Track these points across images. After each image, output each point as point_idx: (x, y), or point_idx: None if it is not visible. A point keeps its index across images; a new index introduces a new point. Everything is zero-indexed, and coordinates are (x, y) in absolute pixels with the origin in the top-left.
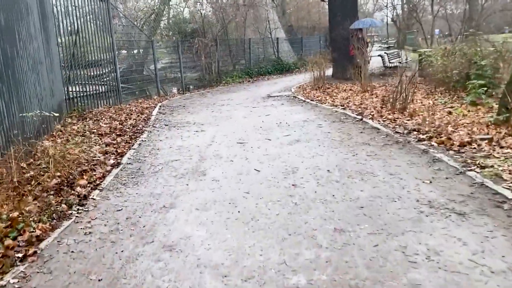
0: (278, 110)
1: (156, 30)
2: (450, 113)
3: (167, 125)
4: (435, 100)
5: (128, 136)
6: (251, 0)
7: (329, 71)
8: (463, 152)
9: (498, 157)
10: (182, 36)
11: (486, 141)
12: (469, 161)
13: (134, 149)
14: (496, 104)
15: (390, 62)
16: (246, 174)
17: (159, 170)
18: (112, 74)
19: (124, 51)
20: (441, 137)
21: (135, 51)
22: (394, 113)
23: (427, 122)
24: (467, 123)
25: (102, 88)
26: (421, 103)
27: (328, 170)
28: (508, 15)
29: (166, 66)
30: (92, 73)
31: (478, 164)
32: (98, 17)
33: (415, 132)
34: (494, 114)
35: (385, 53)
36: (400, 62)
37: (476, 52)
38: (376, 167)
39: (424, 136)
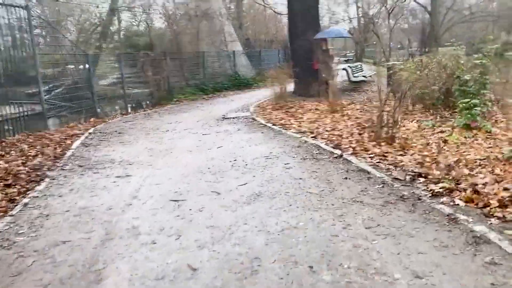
0: (234, 138)
1: (100, 43)
2: (445, 141)
3: (83, 165)
4: (418, 121)
5: (17, 188)
6: (204, 11)
7: (290, 87)
8: (505, 220)
9: None
10: (134, 50)
11: None
12: None
13: (12, 215)
14: (495, 128)
15: (354, 76)
16: (172, 279)
17: (24, 271)
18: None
19: (71, 66)
20: (463, 188)
21: (81, 66)
22: (381, 145)
23: (429, 160)
24: (481, 160)
25: (22, 112)
26: (404, 126)
27: (311, 268)
28: (465, 27)
29: (115, 82)
30: (9, 94)
31: None
32: (18, 28)
33: (421, 179)
34: (505, 145)
35: (349, 66)
36: (364, 76)
37: (459, 65)
38: (387, 258)
39: (438, 188)
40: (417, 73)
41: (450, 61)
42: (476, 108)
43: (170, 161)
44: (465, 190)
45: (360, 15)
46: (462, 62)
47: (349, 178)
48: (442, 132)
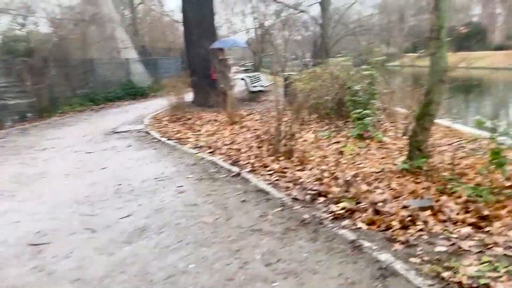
0: (122, 157)
1: None
2: (341, 152)
3: None
4: (314, 132)
5: None
6: (92, 15)
7: (189, 97)
8: (415, 245)
9: (481, 261)
10: (13, 56)
11: (428, 211)
12: (444, 275)
13: None
14: (385, 137)
15: (253, 86)
16: None
17: None
18: None
19: None
20: (364, 208)
21: None
22: (279, 160)
23: (328, 175)
24: (377, 173)
25: None
26: (301, 137)
27: None
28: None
29: None
30: None
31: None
32: None
33: (321, 198)
34: (396, 154)
35: (247, 76)
36: (262, 86)
37: (350, 76)
38: None
39: (339, 209)
40: (312, 83)
41: (341, 72)
42: (367, 118)
43: (39, 190)
44: (366, 210)
45: (257, 26)
46: (352, 73)
47: (247, 201)
48: (337, 143)
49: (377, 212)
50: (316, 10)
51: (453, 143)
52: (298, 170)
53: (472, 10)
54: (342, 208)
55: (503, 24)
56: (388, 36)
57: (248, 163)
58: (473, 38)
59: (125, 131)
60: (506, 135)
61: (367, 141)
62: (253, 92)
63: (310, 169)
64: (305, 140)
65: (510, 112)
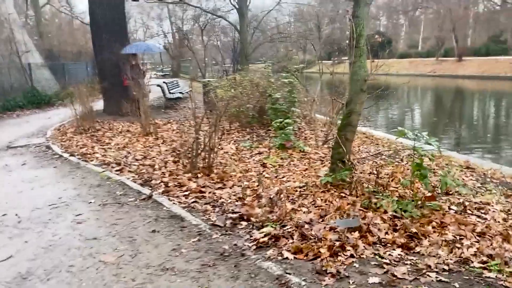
0: (13, 178)
1: None
2: (264, 165)
3: None
4: (236, 142)
5: None
6: None
7: (100, 105)
8: (347, 277)
9: None
10: None
11: (354, 233)
12: None
13: None
14: (307, 146)
15: (170, 93)
16: None
17: None
18: None
19: None
20: (289, 233)
21: None
22: (197, 177)
23: (250, 193)
24: (301, 187)
25: None
26: (222, 148)
27: None
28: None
29: None
30: None
31: None
32: None
33: (243, 223)
34: (317, 164)
35: (164, 82)
36: (181, 93)
37: (270, 84)
38: None
39: (262, 235)
40: (232, 90)
41: (261, 80)
42: (289, 128)
43: None
44: (291, 235)
45: (174, 30)
46: (272, 80)
47: (159, 231)
48: (260, 154)
49: (303, 236)
50: (235, 16)
51: (376, 153)
52: (218, 189)
53: (378, 20)
54: (266, 235)
55: (406, 34)
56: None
57: (161, 182)
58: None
59: (22, 146)
60: (427, 145)
61: (290, 151)
62: (171, 99)
63: (231, 187)
64: (226, 152)
65: (417, 116)
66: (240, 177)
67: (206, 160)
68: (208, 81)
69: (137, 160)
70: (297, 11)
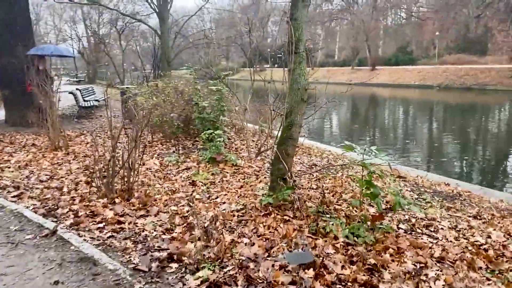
0: None
1: None
2: (194, 183)
3: None
4: (159, 156)
5: None
6: None
7: (1, 114)
8: None
9: None
10: None
11: (308, 270)
12: None
13: None
14: (239, 159)
15: (85, 101)
16: None
17: None
18: None
19: None
20: (230, 277)
21: None
22: (115, 202)
23: (180, 222)
24: (239, 211)
25: None
26: (143, 164)
27: None
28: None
29: None
30: None
31: None
32: None
33: (173, 265)
34: (253, 179)
35: (77, 89)
36: (97, 101)
37: (196, 91)
38: None
39: (198, 281)
40: (154, 98)
41: (186, 87)
42: (219, 139)
43: None
44: (235, 280)
45: (90, 34)
46: (198, 87)
47: (63, 282)
48: (188, 169)
49: (250, 281)
50: (155, 21)
51: (319, 169)
52: (140, 217)
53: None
54: (203, 281)
55: (323, 43)
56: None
57: (70, 211)
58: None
59: None
60: (375, 158)
61: (221, 165)
62: (85, 107)
63: (156, 214)
64: (148, 169)
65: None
66: (166, 200)
67: (125, 181)
68: (127, 87)
69: (41, 181)
70: (218, 18)
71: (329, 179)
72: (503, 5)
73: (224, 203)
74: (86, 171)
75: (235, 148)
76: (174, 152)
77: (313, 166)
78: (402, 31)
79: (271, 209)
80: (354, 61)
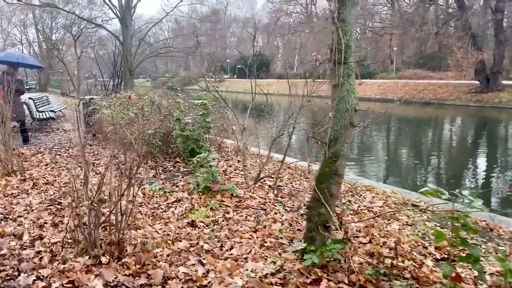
0: None
1: None
2: (193, 224)
3: None
4: (138, 180)
5: None
6: None
7: None
8: None
9: None
10: None
11: None
12: None
13: None
14: (241, 189)
15: (39, 112)
16: None
17: None
18: None
19: None
20: None
21: None
22: (100, 262)
23: None
24: (272, 275)
25: None
26: (123, 195)
27: None
28: (152, 60)
29: None
30: None
31: None
32: None
33: None
34: (277, 225)
35: (30, 98)
36: (53, 111)
37: (178, 106)
38: None
39: None
40: (128, 112)
41: (165, 99)
42: (212, 163)
43: None
44: None
45: (42, 39)
46: (180, 100)
47: None
48: (178, 201)
49: None
50: (115, 27)
51: (378, 215)
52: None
53: (256, 41)
54: None
55: (282, 55)
56: (187, 60)
57: (38, 279)
58: (260, 67)
59: None
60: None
61: (218, 196)
62: (40, 119)
63: (164, 283)
64: (130, 201)
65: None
66: (169, 255)
67: (114, 231)
68: (91, 98)
69: None
70: (177, 27)
71: (386, 227)
72: (460, 23)
73: (244, 257)
74: (51, 207)
75: (223, 171)
76: (154, 176)
77: (360, 210)
78: (359, 45)
79: (317, 272)
80: (315, 74)
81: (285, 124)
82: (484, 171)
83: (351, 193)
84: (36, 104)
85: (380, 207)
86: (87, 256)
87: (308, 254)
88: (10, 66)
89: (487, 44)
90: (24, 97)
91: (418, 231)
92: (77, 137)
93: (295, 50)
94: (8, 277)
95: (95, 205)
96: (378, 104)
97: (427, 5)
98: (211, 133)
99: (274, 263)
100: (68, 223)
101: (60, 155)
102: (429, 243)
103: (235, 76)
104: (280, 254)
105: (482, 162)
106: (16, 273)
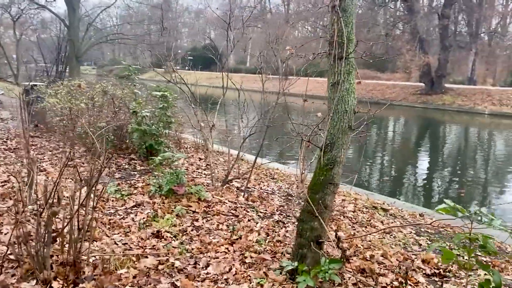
0: None
1: None
2: (158, 235)
3: None
4: (86, 180)
5: None
6: None
7: None
8: None
9: None
10: None
11: None
12: None
13: None
14: (207, 192)
15: None
16: None
17: None
18: None
19: None
20: None
21: None
22: (51, 287)
23: None
24: None
25: None
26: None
27: None
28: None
29: None
30: None
31: None
32: None
33: None
34: (253, 235)
35: None
36: None
37: (135, 97)
38: None
39: None
40: (74, 102)
41: (120, 90)
42: (177, 162)
43: None
44: None
45: None
46: (138, 91)
47: None
48: (138, 206)
49: None
50: (59, 10)
51: (382, 230)
52: None
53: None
54: None
55: (235, 49)
56: (135, 49)
57: None
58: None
59: None
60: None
61: (183, 200)
62: None
63: None
64: (82, 205)
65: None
66: (136, 277)
67: (69, 248)
68: (34, 85)
69: None
70: (125, 14)
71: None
72: (409, 27)
73: (225, 279)
74: None
75: (185, 169)
76: (108, 175)
77: (335, 215)
78: (309, 44)
79: None
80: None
81: (259, 121)
82: (423, 169)
83: None
84: None
85: (352, 211)
86: (34, 281)
87: (302, 276)
88: None
89: (433, 48)
90: None
91: (399, 241)
92: (17, 127)
93: (247, 45)
94: None
95: (46, 216)
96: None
97: (378, 7)
98: (172, 128)
99: (262, 286)
100: (7, 233)
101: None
102: (414, 255)
103: (187, 68)
104: (265, 274)
105: (423, 160)
106: None
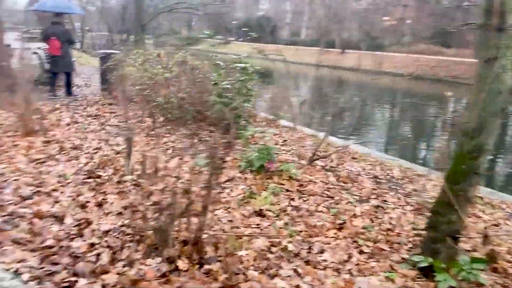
0: None
1: None
2: (261, 214)
3: None
4: (174, 151)
5: None
6: None
7: None
8: None
9: None
10: None
11: None
12: None
13: None
14: (297, 169)
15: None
16: None
17: None
18: None
19: None
20: None
21: None
22: (177, 267)
23: None
24: None
25: None
26: (166, 168)
27: None
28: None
29: None
30: None
31: None
32: None
33: None
34: (357, 222)
35: (39, 48)
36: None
37: (217, 69)
38: None
39: None
40: (151, 70)
41: (200, 61)
42: (266, 138)
43: None
44: None
45: None
46: (220, 63)
47: None
48: (230, 181)
49: None
50: None
51: None
52: None
53: (261, 4)
54: None
55: (291, 20)
56: (189, 19)
57: (100, 284)
58: (265, 31)
59: None
60: None
61: (275, 178)
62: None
63: None
64: (176, 177)
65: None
66: (256, 259)
67: (190, 228)
68: (111, 53)
69: (22, 198)
70: None
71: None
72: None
73: (348, 269)
74: (89, 180)
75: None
76: (192, 147)
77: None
78: (368, 16)
79: None
80: (323, 42)
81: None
82: None
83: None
84: (47, 55)
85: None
86: (159, 258)
87: (441, 275)
88: (55, 15)
89: None
90: (33, 46)
91: None
92: (92, 94)
93: (303, 17)
94: (65, 283)
95: (177, 193)
96: (387, 78)
97: None
98: (251, 102)
99: (392, 281)
100: (113, 203)
101: (78, 113)
102: None
103: (241, 40)
104: (391, 267)
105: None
106: (73, 278)
